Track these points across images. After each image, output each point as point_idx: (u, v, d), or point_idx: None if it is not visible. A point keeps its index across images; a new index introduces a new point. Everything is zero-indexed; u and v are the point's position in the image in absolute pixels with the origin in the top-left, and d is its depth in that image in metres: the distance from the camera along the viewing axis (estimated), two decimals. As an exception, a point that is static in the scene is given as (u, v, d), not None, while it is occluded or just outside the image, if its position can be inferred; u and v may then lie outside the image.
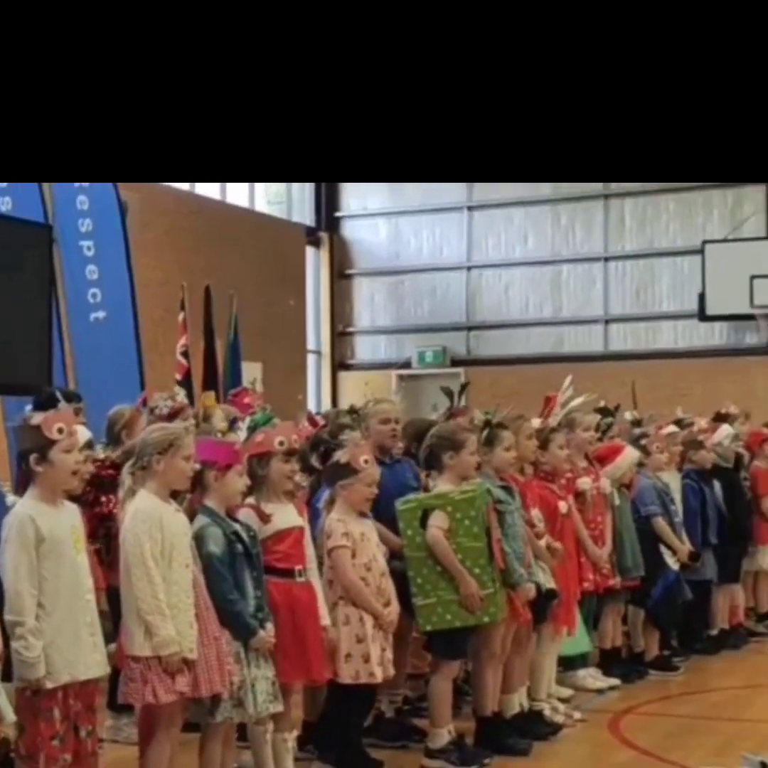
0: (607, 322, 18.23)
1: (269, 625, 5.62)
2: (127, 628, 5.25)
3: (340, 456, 6.29)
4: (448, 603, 6.50)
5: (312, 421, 7.64)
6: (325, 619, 6.05)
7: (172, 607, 5.20)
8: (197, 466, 5.54)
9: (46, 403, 5.41)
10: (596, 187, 17.96)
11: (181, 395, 7.42)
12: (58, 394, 5.49)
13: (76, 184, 10.72)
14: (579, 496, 8.10)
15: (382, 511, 6.60)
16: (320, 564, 6.22)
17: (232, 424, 6.06)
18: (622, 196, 18.07)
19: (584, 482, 8.14)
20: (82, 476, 5.68)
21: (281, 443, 5.99)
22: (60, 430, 5.01)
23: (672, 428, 9.62)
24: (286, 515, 5.99)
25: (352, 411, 7.36)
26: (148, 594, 5.16)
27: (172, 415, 6.88)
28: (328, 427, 7.06)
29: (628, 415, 9.88)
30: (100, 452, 7.18)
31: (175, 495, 5.52)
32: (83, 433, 5.75)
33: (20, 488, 5.31)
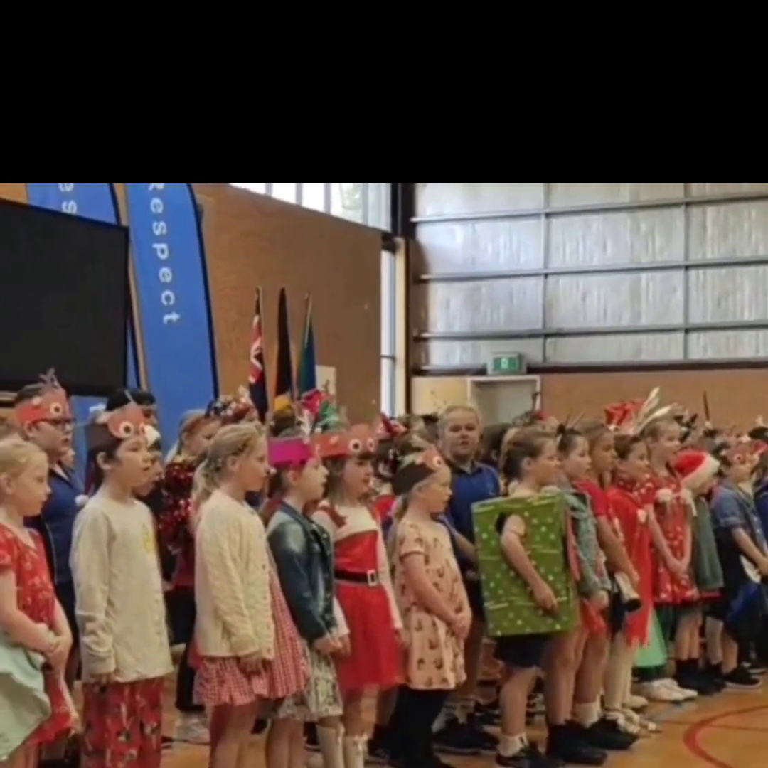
0: (686, 330, 18.03)
1: (334, 630, 5.60)
2: (203, 628, 5.24)
3: (414, 458, 6.25)
4: (520, 608, 6.44)
5: (387, 424, 7.58)
6: (398, 623, 6.01)
7: (249, 607, 5.19)
8: (272, 469, 5.52)
9: (117, 403, 5.42)
10: (677, 194, 17.77)
11: (245, 396, 7.41)
12: (129, 395, 5.49)
13: (151, 187, 10.80)
14: (658, 506, 7.99)
15: (459, 520, 6.58)
16: (392, 569, 6.17)
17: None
18: (703, 203, 17.87)
19: (665, 493, 8.04)
20: (150, 476, 5.68)
21: (356, 446, 5.97)
22: (127, 429, 5.06)
23: (746, 439, 9.47)
24: (360, 518, 5.97)
25: (429, 418, 7.30)
26: (228, 594, 5.15)
27: (238, 416, 6.87)
28: (394, 441, 6.97)
29: (706, 425, 9.76)
30: (174, 452, 7.20)
31: (249, 499, 5.51)
32: (151, 434, 5.76)
33: (89, 488, 5.33)
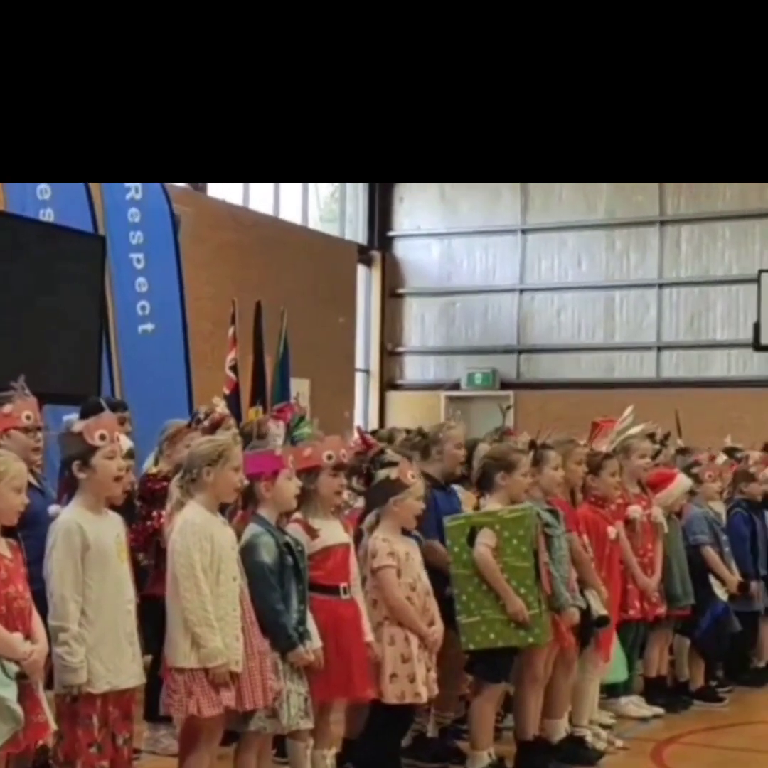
0: (659, 349, 18.10)
1: (308, 643, 5.59)
2: (172, 639, 5.23)
3: (389, 473, 6.26)
4: (492, 621, 6.45)
5: (363, 438, 7.59)
6: (369, 636, 6.01)
7: (219, 619, 5.18)
8: (245, 479, 5.52)
9: (91, 411, 5.40)
10: (652, 212, 17.87)
11: (221, 406, 7.40)
12: (103, 403, 5.47)
13: (128, 196, 10.79)
14: (629, 523, 8.02)
15: (437, 533, 6.65)
16: (363, 583, 6.17)
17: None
18: (678, 222, 17.97)
19: (635, 510, 8.07)
20: (125, 485, 5.68)
21: (329, 457, 5.97)
22: (102, 437, 5.03)
23: (723, 458, 9.51)
24: (333, 531, 5.97)
25: (420, 434, 7.33)
26: (197, 605, 5.15)
27: (214, 427, 6.86)
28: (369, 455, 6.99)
29: (677, 443, 9.80)
30: (150, 462, 7.19)
31: (222, 510, 5.50)
32: (125, 443, 5.75)
33: (62, 497, 5.31)
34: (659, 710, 8.36)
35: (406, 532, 6.36)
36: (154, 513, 6.73)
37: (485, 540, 6.46)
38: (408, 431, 8.15)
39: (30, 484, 5.62)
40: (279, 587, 5.51)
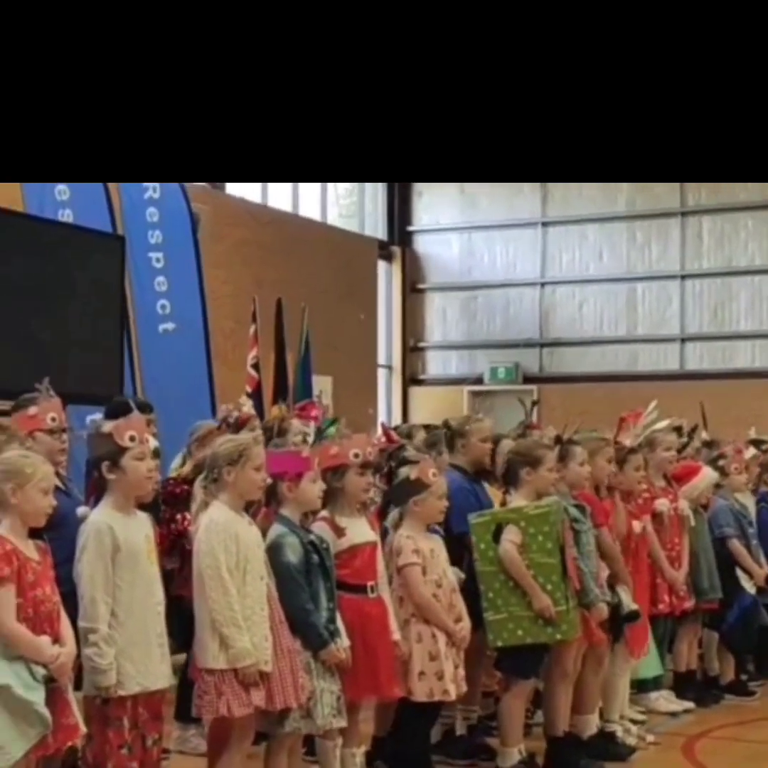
0: (683, 340, 18.01)
1: (339, 641, 5.58)
2: (201, 640, 5.22)
3: (409, 472, 6.22)
4: (519, 618, 6.43)
5: (388, 435, 7.57)
6: (396, 634, 5.99)
7: (246, 619, 5.17)
8: (268, 478, 5.50)
9: (118, 411, 5.38)
10: (673, 204, 17.77)
11: (247, 406, 7.39)
12: (132, 403, 5.46)
13: (146, 195, 10.77)
14: (656, 516, 7.98)
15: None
16: (390, 581, 6.15)
17: (305, 438, 6.02)
18: (699, 213, 17.87)
19: (662, 503, 8.04)
20: (153, 485, 5.66)
21: (356, 455, 5.95)
22: (132, 438, 5.03)
23: (752, 451, 9.44)
24: (360, 529, 5.96)
25: (447, 426, 7.31)
26: (224, 606, 5.13)
27: (239, 426, 6.85)
28: (389, 453, 6.97)
29: (704, 435, 9.74)
30: (178, 461, 7.17)
31: (247, 508, 5.48)
32: (151, 443, 5.73)
33: (89, 498, 5.29)
34: (690, 705, 8.32)
35: (431, 529, 6.34)
36: (178, 516, 6.71)
37: (510, 537, 6.43)
38: (427, 427, 8.12)
39: (56, 486, 5.61)
40: (307, 586, 5.50)
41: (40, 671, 4.53)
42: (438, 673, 6.09)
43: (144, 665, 4.91)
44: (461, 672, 6.21)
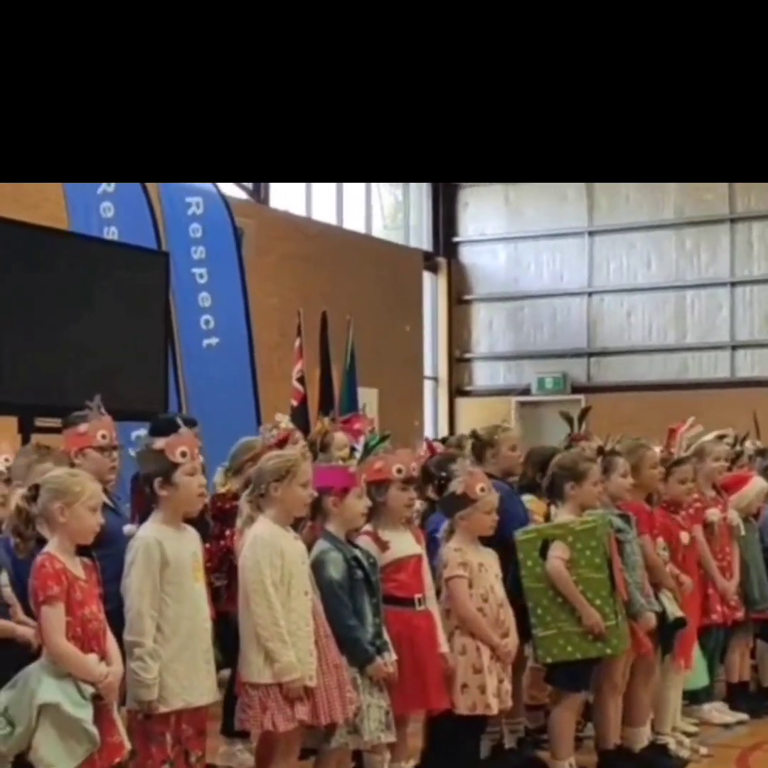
0: (733, 348, 17.88)
1: (387, 655, 5.57)
2: (246, 655, 5.22)
3: (455, 487, 6.20)
4: (569, 634, 6.37)
5: (431, 448, 7.54)
6: (444, 647, 5.97)
7: (291, 634, 5.16)
8: (315, 493, 5.49)
9: (164, 428, 5.39)
10: (722, 210, 17.66)
11: (284, 421, 7.37)
12: (180, 420, 5.47)
13: (189, 212, 10.81)
14: (707, 526, 7.91)
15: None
16: (438, 593, 6.12)
17: (352, 451, 6.01)
18: (749, 219, 17.75)
19: (713, 513, 7.96)
20: (203, 500, 5.67)
21: (400, 471, 5.93)
22: (183, 454, 5.05)
23: (797, 458, 9.35)
24: (404, 543, 5.93)
25: (474, 436, 7.26)
26: (269, 620, 5.13)
27: (281, 442, 6.84)
28: (435, 461, 6.98)
29: (749, 445, 9.63)
30: (219, 476, 7.17)
31: (293, 523, 5.47)
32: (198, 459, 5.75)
33: (136, 516, 5.30)
34: (743, 716, 8.21)
35: (484, 541, 6.29)
36: (227, 531, 6.71)
37: (558, 552, 6.38)
38: (471, 436, 8.08)
39: (104, 504, 5.63)
40: (350, 602, 5.48)
41: (89, 689, 4.55)
42: (481, 687, 6.05)
43: (188, 681, 4.92)
44: (506, 686, 6.17)
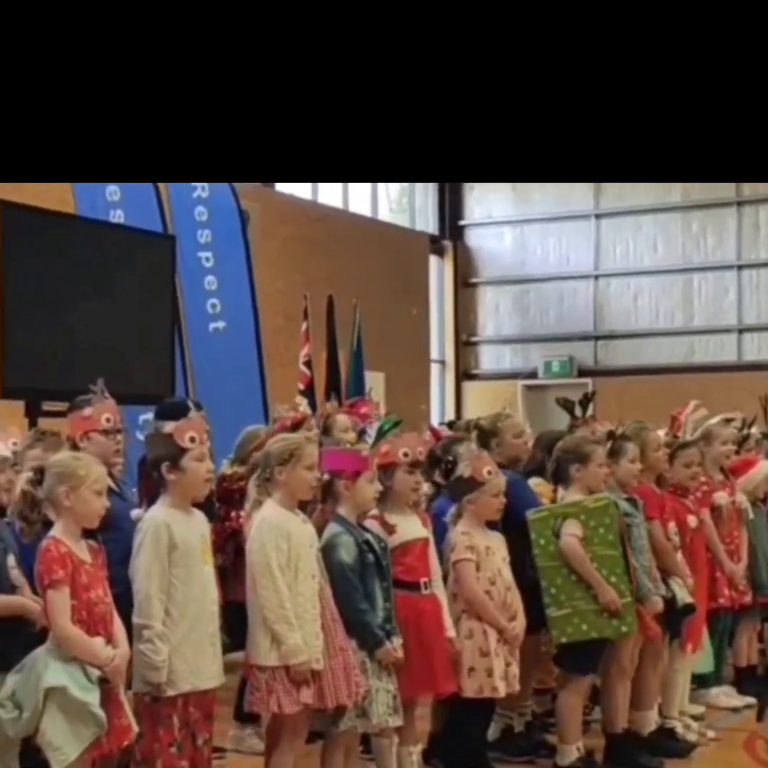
0: (740, 331, 17.84)
1: (396, 639, 5.57)
2: (253, 637, 5.23)
3: (463, 470, 6.19)
4: (584, 613, 6.36)
5: (435, 433, 7.53)
6: (451, 631, 5.96)
7: (297, 617, 5.17)
8: (322, 476, 5.50)
9: (172, 412, 5.38)
10: (728, 193, 17.60)
11: (302, 405, 7.37)
12: (191, 404, 5.46)
13: (195, 195, 10.79)
14: (714, 510, 7.89)
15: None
16: (445, 577, 6.12)
17: (361, 434, 6.00)
18: (756, 202, 17.69)
19: (721, 496, 7.95)
20: (211, 485, 5.67)
21: (406, 454, 5.92)
22: (192, 439, 5.04)
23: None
24: (411, 527, 5.93)
25: (476, 427, 7.23)
26: (275, 603, 5.13)
27: (295, 426, 6.83)
28: (442, 444, 6.96)
29: (755, 429, 9.62)
30: (226, 467, 7.16)
31: (303, 506, 5.46)
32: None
33: (143, 500, 5.30)
34: (751, 700, 8.21)
35: (491, 525, 6.28)
36: (233, 513, 6.71)
37: (572, 530, 6.37)
38: (470, 427, 8.05)
39: (109, 488, 5.63)
40: (361, 586, 5.48)
41: (95, 672, 4.56)
42: (488, 670, 6.05)
43: (196, 664, 4.92)
44: (514, 670, 6.16)
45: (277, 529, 5.22)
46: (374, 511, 5.81)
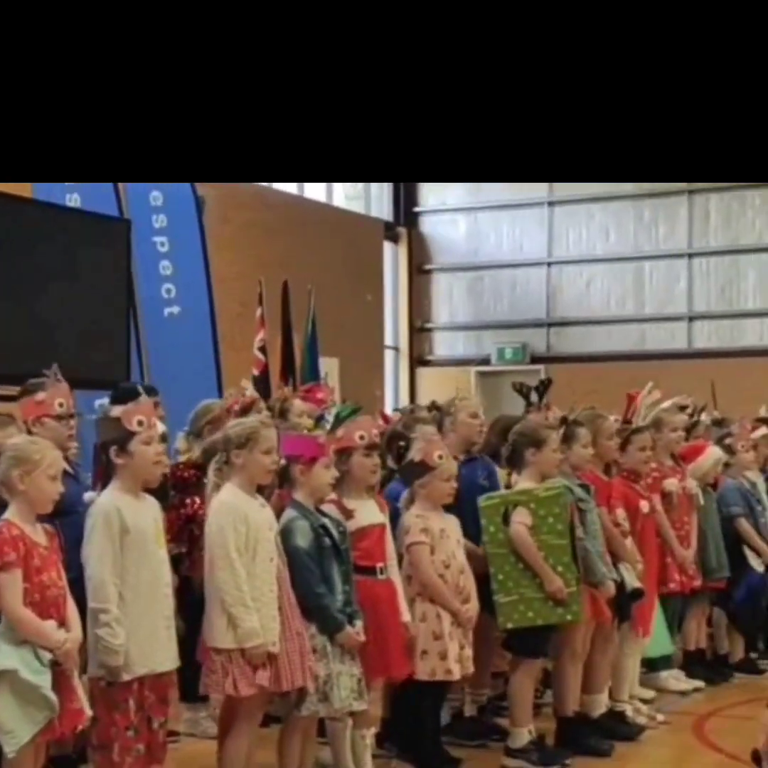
0: (690, 319, 17.97)
1: (358, 623, 5.59)
2: (210, 619, 5.24)
3: (414, 455, 6.21)
4: (530, 600, 6.42)
5: (384, 417, 7.56)
6: (406, 615, 6.00)
7: (255, 600, 5.18)
8: (281, 460, 5.50)
9: (125, 396, 5.39)
10: (680, 182, 17.69)
11: (249, 390, 7.37)
12: (140, 388, 5.46)
13: (150, 180, 10.75)
14: (665, 496, 7.97)
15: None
16: (400, 560, 6.16)
17: (319, 420, 6.01)
18: (707, 191, 17.79)
19: (671, 483, 8.03)
20: (162, 469, 5.66)
21: (362, 438, 5.94)
22: (140, 422, 5.04)
23: (763, 430, 9.41)
24: (369, 512, 5.96)
25: (434, 407, 7.27)
26: (232, 586, 5.15)
27: (245, 410, 6.84)
28: (403, 421, 7.00)
29: (704, 416, 9.71)
30: (181, 442, 7.16)
31: (261, 490, 5.48)
32: (158, 427, 5.73)
33: (97, 483, 5.30)
34: (699, 683, 8.32)
35: (447, 508, 6.31)
36: (187, 500, 6.71)
37: (521, 518, 6.42)
38: (429, 408, 8.09)
39: (65, 472, 5.62)
40: (318, 570, 5.50)
41: (47, 656, 4.56)
42: (441, 653, 6.09)
43: (150, 647, 4.92)
44: (467, 652, 6.21)
45: (234, 512, 5.23)
46: (332, 496, 5.83)
